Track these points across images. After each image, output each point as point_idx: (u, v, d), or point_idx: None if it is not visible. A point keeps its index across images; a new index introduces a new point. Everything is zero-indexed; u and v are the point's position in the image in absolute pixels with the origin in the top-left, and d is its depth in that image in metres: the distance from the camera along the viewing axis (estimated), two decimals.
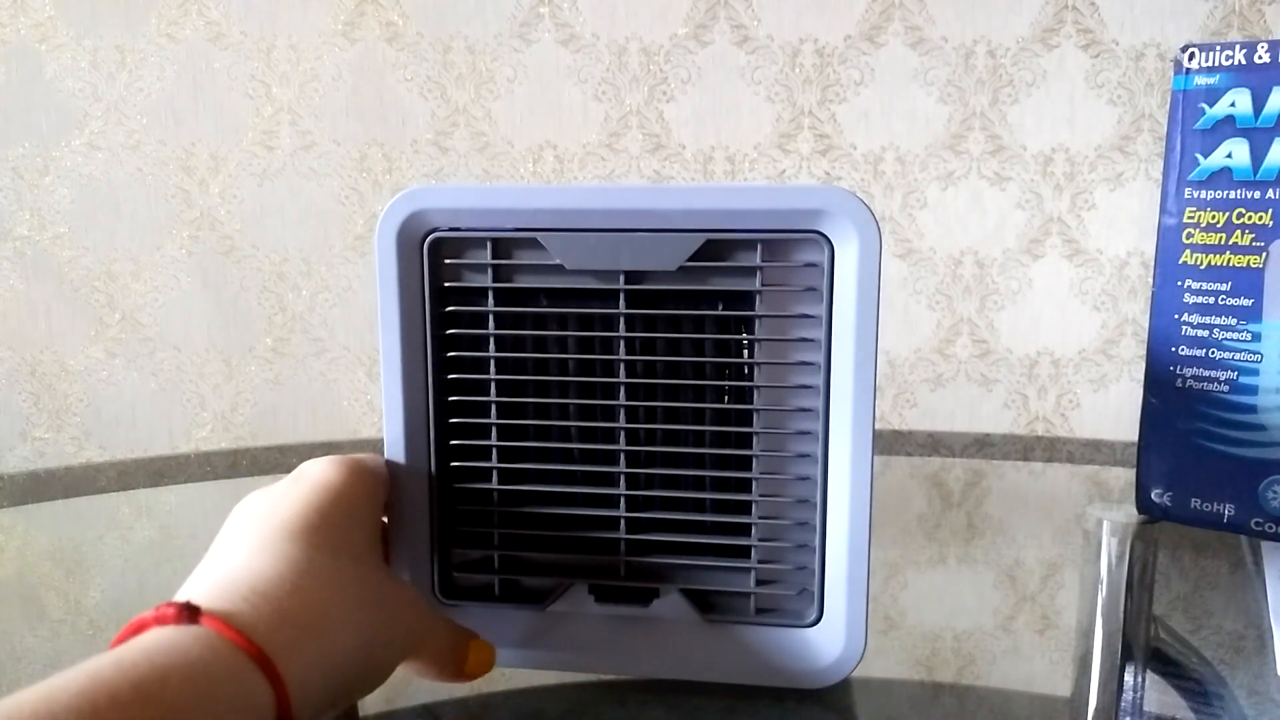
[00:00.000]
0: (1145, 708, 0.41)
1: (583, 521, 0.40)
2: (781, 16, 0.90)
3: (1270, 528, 0.55)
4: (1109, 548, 0.58)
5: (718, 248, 0.38)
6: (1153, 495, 0.57)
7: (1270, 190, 0.54)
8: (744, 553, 0.40)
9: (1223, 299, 0.56)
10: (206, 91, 0.93)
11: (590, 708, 0.39)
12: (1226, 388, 0.56)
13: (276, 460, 0.91)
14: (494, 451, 0.40)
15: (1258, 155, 0.54)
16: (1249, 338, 0.56)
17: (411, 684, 0.43)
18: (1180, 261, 0.56)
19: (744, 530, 0.40)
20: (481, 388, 0.40)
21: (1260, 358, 0.55)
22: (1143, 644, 0.47)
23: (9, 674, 0.44)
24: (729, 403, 0.40)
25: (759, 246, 0.38)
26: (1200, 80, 0.55)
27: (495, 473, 0.40)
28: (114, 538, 0.66)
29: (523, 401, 0.40)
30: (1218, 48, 0.54)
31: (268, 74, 0.92)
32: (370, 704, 0.41)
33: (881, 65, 0.90)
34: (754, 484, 0.39)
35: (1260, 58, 0.53)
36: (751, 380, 0.39)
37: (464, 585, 0.41)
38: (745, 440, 0.39)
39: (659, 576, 0.40)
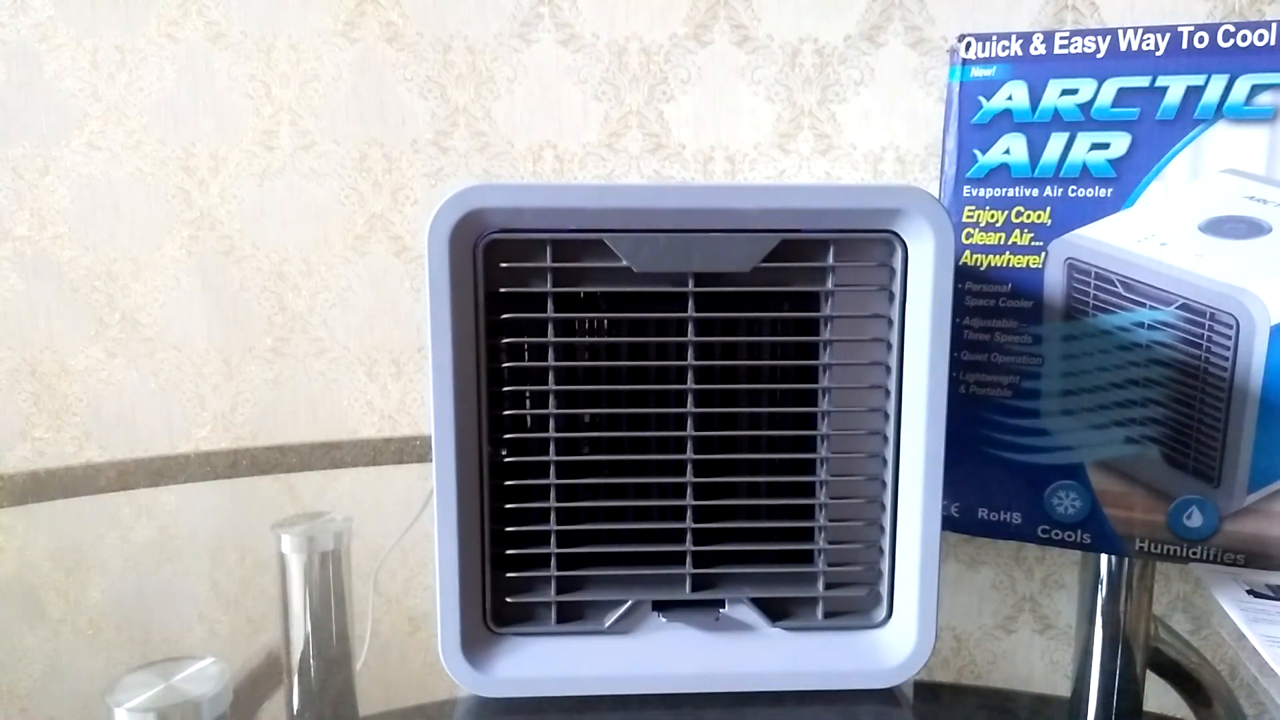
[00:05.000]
0: (1145, 708, 0.41)
1: (647, 535, 0.39)
2: (781, 16, 0.90)
3: (1057, 534, 0.55)
4: None
5: (788, 248, 0.37)
6: None
7: (1048, 188, 0.53)
8: (814, 556, 0.39)
9: (1003, 301, 0.54)
10: (206, 91, 0.93)
11: (591, 708, 0.39)
12: (1009, 393, 0.55)
13: (276, 460, 0.91)
14: (552, 468, 0.38)
15: (1035, 151, 0.52)
16: (1030, 340, 0.54)
17: (411, 685, 0.43)
18: (960, 263, 0.55)
19: (814, 534, 0.39)
20: (538, 399, 0.38)
21: (1042, 361, 0.54)
22: (1143, 644, 0.46)
23: (9, 674, 0.44)
24: (800, 405, 0.39)
25: (831, 247, 0.37)
26: (977, 72, 0.53)
27: (554, 489, 0.38)
28: (114, 538, 0.66)
29: (584, 413, 0.39)
30: (994, 38, 0.52)
31: (268, 74, 0.92)
32: (370, 704, 0.41)
33: (881, 65, 0.90)
34: (824, 486, 0.39)
35: (1036, 49, 0.51)
36: (822, 382, 0.38)
37: (518, 612, 0.39)
38: (815, 442, 0.39)
39: (726, 586, 0.40)
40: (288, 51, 0.92)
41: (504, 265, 0.37)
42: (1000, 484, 0.56)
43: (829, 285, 0.38)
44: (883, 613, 0.39)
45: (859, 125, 0.92)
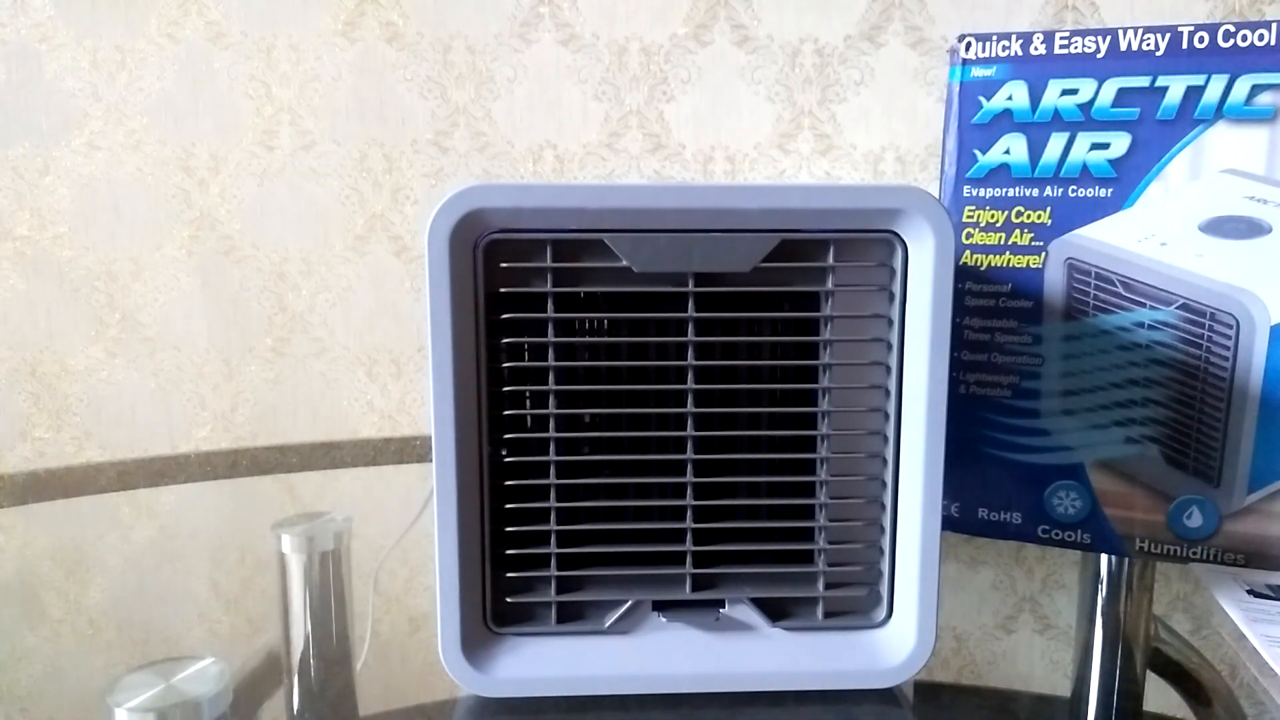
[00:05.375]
0: (1145, 708, 0.41)
1: (647, 535, 0.39)
2: (782, 16, 0.90)
3: (1057, 534, 0.54)
4: None
5: (788, 248, 0.37)
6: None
7: (1048, 188, 0.52)
8: (814, 556, 0.39)
9: (1003, 301, 0.54)
10: (206, 91, 0.93)
11: (591, 708, 0.39)
12: (1009, 393, 0.55)
13: (276, 460, 0.91)
14: (552, 468, 0.38)
15: (1035, 151, 0.52)
16: (1030, 340, 0.54)
17: (411, 685, 0.43)
18: (960, 264, 0.55)
19: (814, 534, 0.39)
20: (538, 400, 0.38)
21: (1042, 361, 0.54)
22: (1143, 644, 0.46)
23: (9, 674, 0.44)
24: (800, 405, 0.39)
25: (831, 246, 0.37)
26: (978, 72, 0.52)
27: (554, 490, 0.38)
28: (114, 538, 0.66)
29: (584, 413, 0.39)
30: (994, 38, 0.52)
31: (268, 74, 0.92)
32: (370, 704, 0.41)
33: (881, 65, 0.90)
34: (824, 487, 0.39)
35: (1036, 49, 0.51)
36: (822, 382, 0.38)
37: (518, 612, 0.39)
38: (815, 442, 0.39)
39: (726, 586, 0.40)
40: (288, 51, 0.92)
41: (504, 265, 0.37)
42: (1000, 484, 0.56)
43: (829, 285, 0.38)
44: (883, 613, 0.39)
45: (859, 125, 0.92)
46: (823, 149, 0.92)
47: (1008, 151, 0.52)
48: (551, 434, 0.38)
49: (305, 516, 0.62)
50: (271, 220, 0.95)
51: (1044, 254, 0.53)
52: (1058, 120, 0.51)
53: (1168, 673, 0.44)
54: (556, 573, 0.39)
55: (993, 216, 0.53)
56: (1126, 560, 0.56)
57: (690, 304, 0.38)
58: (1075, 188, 0.51)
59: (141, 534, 0.67)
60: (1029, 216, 0.53)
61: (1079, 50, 0.50)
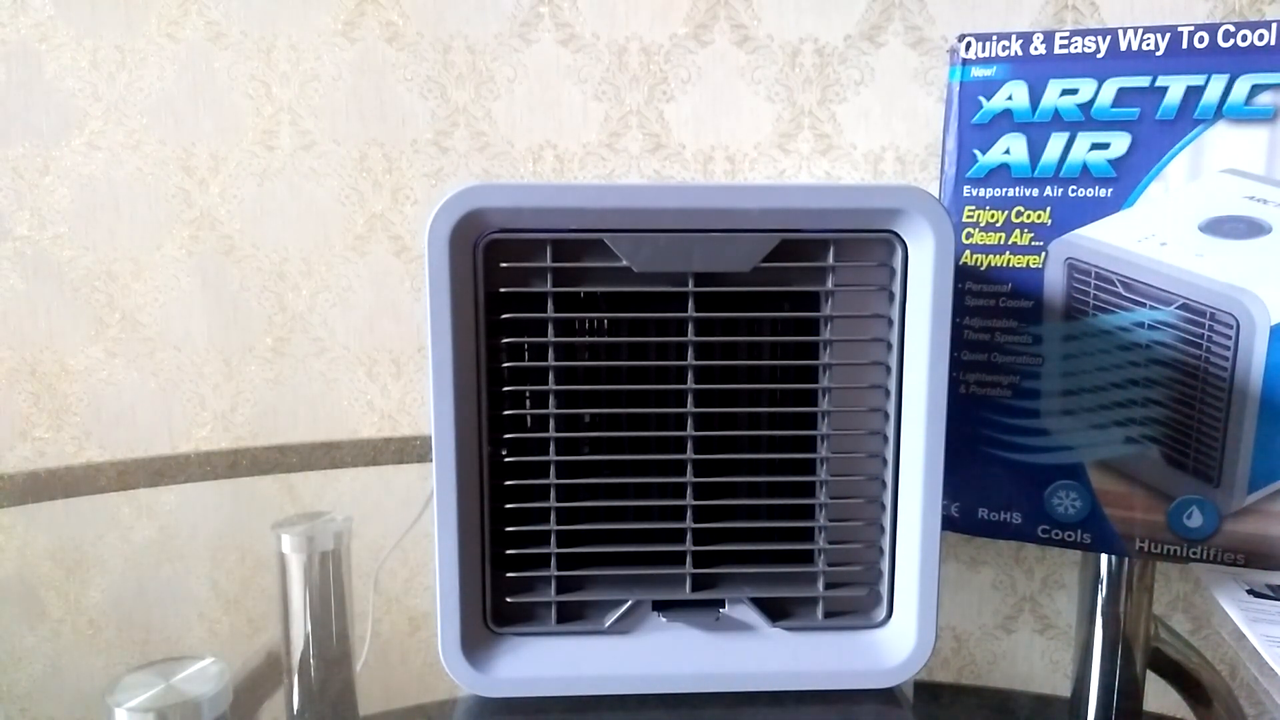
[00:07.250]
0: (1145, 708, 0.41)
1: (647, 535, 0.39)
2: (782, 16, 0.90)
3: (1057, 534, 0.54)
4: None
5: (789, 248, 0.37)
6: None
7: (1048, 188, 0.52)
8: (814, 556, 0.39)
9: (1003, 301, 0.54)
10: (206, 91, 0.93)
11: (591, 708, 0.39)
12: (1009, 393, 0.55)
13: (276, 460, 0.91)
14: (552, 467, 0.38)
15: (1035, 151, 0.52)
16: (1030, 340, 0.54)
17: (411, 685, 0.43)
18: (960, 263, 0.55)
19: (814, 534, 0.39)
20: (538, 399, 0.38)
21: (1042, 360, 0.54)
22: (1143, 644, 0.46)
23: (9, 674, 0.44)
24: (800, 405, 0.39)
25: (831, 246, 0.37)
26: (977, 72, 0.52)
27: (554, 489, 0.38)
28: (114, 538, 0.66)
29: (584, 413, 0.39)
30: (994, 37, 0.52)
31: (268, 74, 0.92)
32: (370, 704, 0.41)
33: (881, 65, 0.90)
34: (824, 486, 0.39)
35: (1036, 49, 0.51)
36: (822, 382, 0.38)
37: (518, 612, 0.39)
38: (815, 442, 0.39)
39: (726, 586, 0.40)
40: (288, 51, 0.92)
41: (504, 265, 0.37)
42: (1000, 484, 0.56)
43: (829, 285, 0.38)
44: (883, 613, 0.39)
45: (859, 125, 0.92)
46: (823, 149, 0.92)
47: (1008, 151, 0.52)
48: (551, 434, 0.38)
49: (305, 516, 0.62)
50: (271, 220, 0.95)
51: (1044, 254, 0.53)
52: (1058, 120, 0.51)
53: (1168, 673, 0.44)
54: (556, 573, 0.39)
55: (993, 216, 0.53)
56: (1126, 560, 0.56)
57: (690, 304, 0.38)
58: (1075, 188, 0.51)
59: (141, 534, 0.67)
60: (1029, 216, 0.53)
61: (1079, 50, 0.51)
